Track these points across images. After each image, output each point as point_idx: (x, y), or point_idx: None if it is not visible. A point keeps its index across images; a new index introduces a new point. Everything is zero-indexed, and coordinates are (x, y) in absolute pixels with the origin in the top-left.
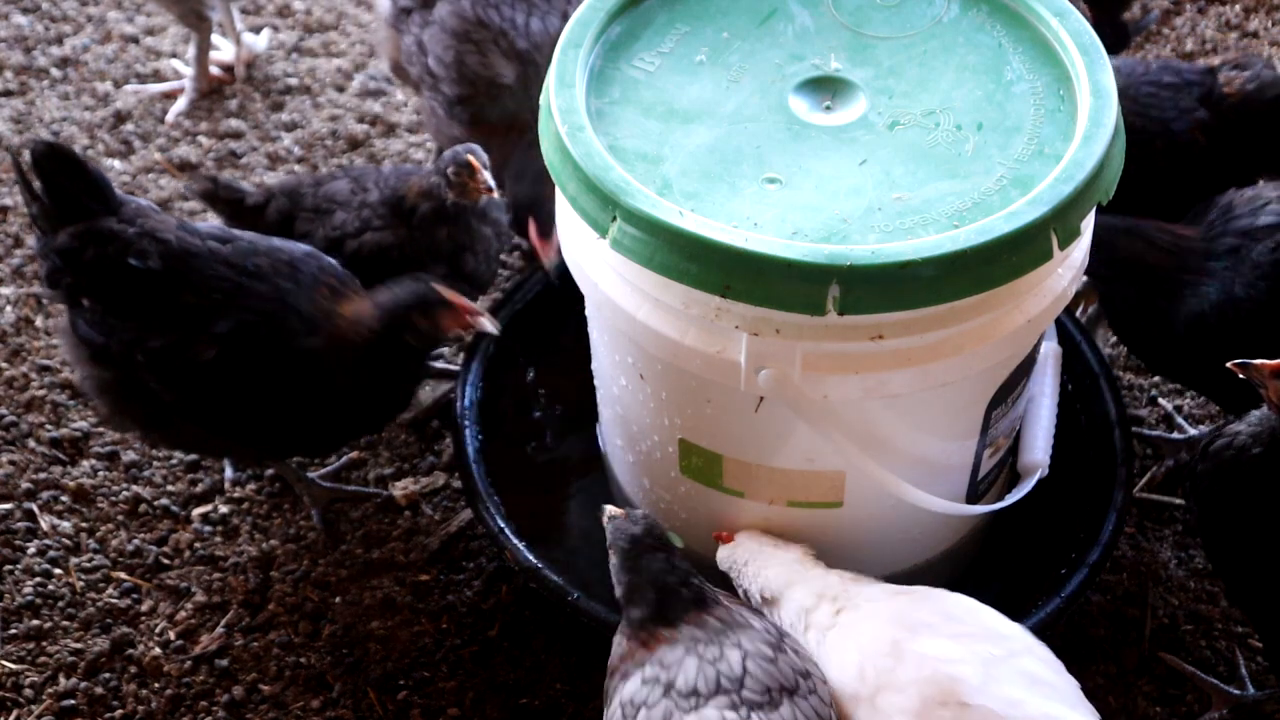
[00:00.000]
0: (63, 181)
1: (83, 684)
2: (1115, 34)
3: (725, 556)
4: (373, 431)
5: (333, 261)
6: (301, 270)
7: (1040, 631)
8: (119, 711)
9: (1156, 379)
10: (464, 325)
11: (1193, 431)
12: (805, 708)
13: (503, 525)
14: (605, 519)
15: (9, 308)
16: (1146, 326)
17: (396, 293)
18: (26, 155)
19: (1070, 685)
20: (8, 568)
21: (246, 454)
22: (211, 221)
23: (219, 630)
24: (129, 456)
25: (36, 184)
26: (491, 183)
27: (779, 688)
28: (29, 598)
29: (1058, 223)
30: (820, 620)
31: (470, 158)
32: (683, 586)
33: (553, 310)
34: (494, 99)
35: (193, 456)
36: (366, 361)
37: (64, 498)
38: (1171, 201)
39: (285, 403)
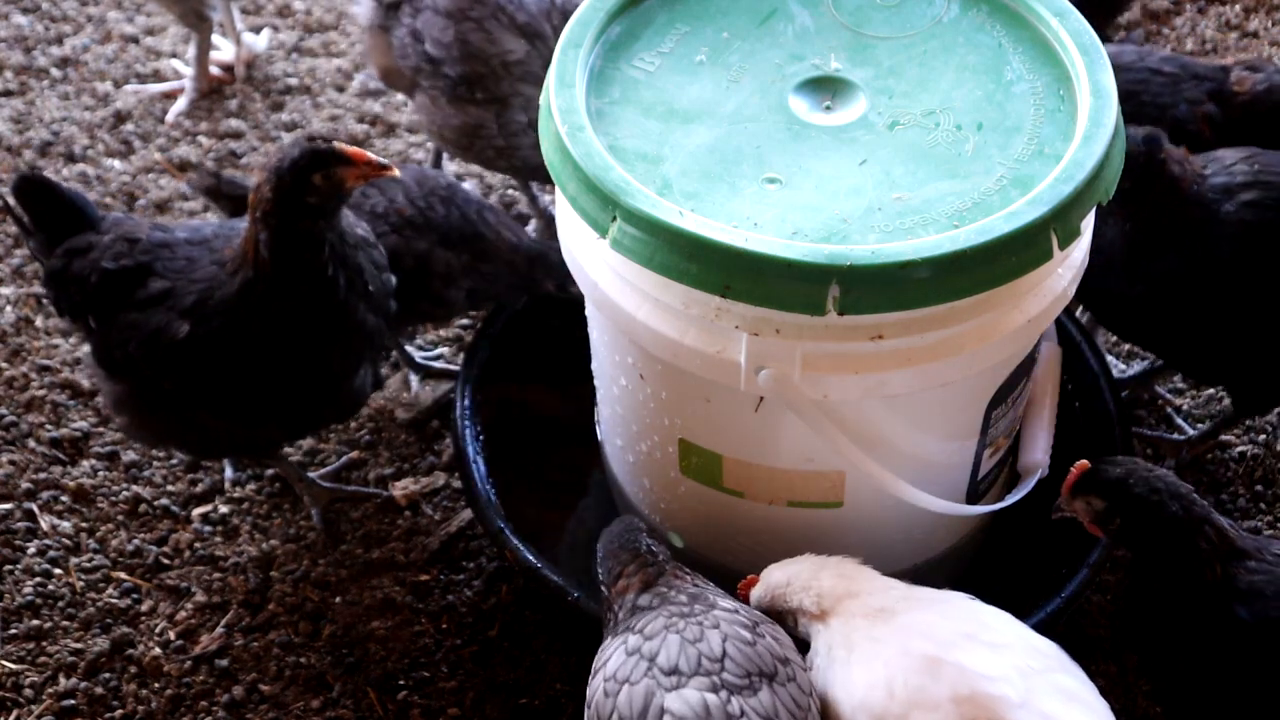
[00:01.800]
0: (42, 208)
1: (83, 684)
2: None
3: (761, 592)
4: (345, 376)
5: None
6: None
7: (1040, 631)
8: (119, 711)
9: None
10: (365, 176)
11: (1192, 432)
12: (784, 695)
13: (503, 525)
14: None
15: (9, 308)
16: (1118, 281)
17: (284, 150)
18: (10, 195)
19: (1104, 706)
20: (8, 568)
21: (262, 435)
22: (212, 220)
23: (219, 630)
24: (129, 456)
25: (25, 218)
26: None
27: (758, 672)
28: (29, 598)
29: (1058, 223)
30: (858, 639)
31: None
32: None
33: (552, 310)
34: (504, 75)
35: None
36: (279, 242)
37: (64, 498)
38: None
39: (264, 356)
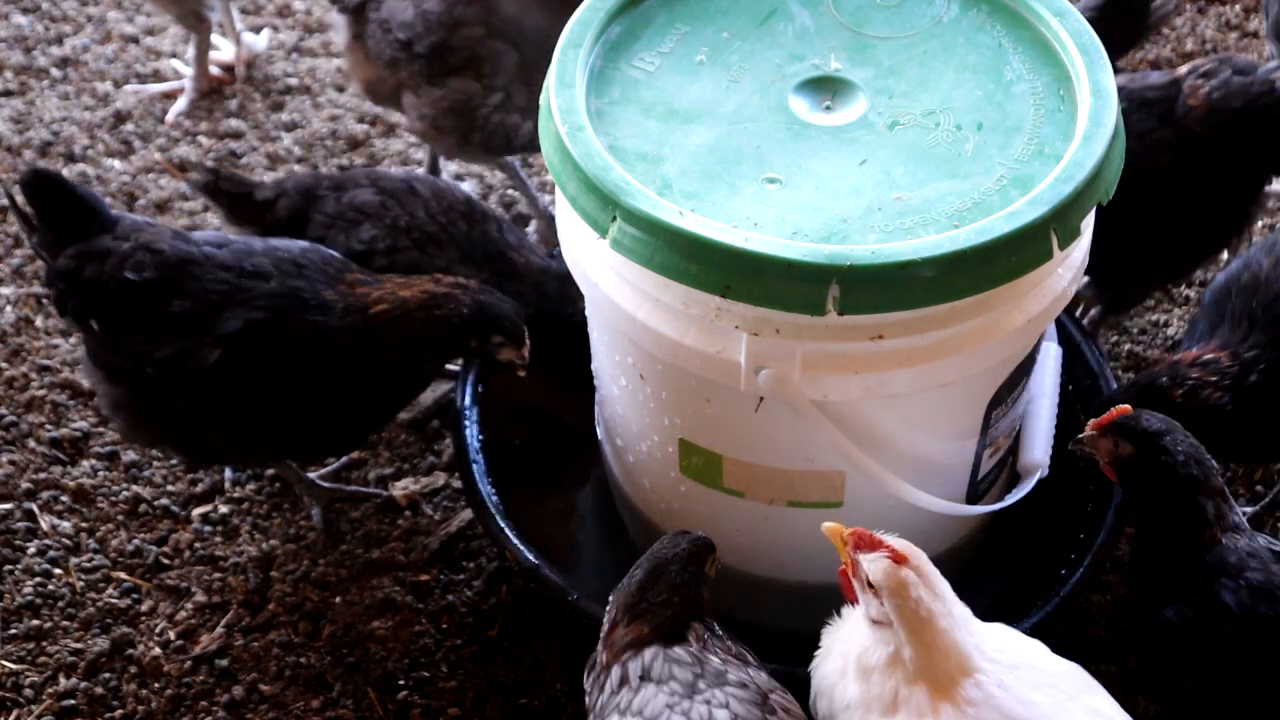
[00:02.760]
0: (53, 206)
1: (83, 684)
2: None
3: (878, 609)
4: (376, 428)
5: (332, 251)
6: (307, 264)
7: (1040, 631)
8: (119, 711)
9: None
10: (511, 362)
11: None
12: None
13: (503, 525)
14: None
15: (9, 308)
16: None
17: (494, 302)
18: (18, 190)
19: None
20: (8, 568)
21: (267, 457)
22: (214, 221)
23: (219, 630)
24: (129, 456)
25: (31, 213)
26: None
27: None
28: (29, 598)
29: (1058, 223)
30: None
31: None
32: (691, 601)
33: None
34: (460, 26)
35: None
36: (414, 343)
37: (64, 498)
38: (1145, 230)
39: (309, 395)
